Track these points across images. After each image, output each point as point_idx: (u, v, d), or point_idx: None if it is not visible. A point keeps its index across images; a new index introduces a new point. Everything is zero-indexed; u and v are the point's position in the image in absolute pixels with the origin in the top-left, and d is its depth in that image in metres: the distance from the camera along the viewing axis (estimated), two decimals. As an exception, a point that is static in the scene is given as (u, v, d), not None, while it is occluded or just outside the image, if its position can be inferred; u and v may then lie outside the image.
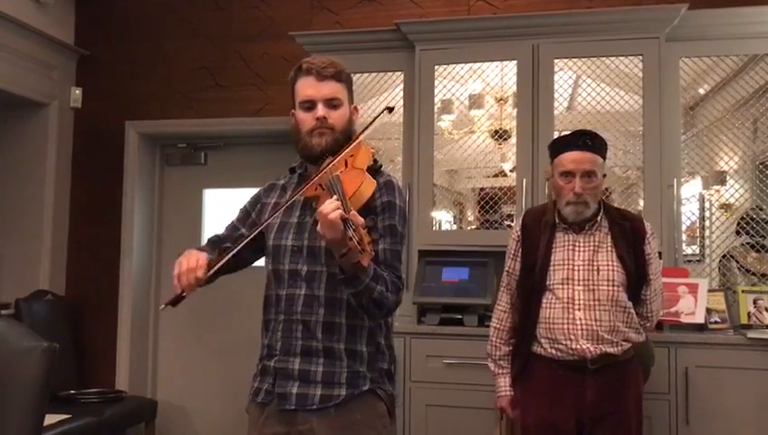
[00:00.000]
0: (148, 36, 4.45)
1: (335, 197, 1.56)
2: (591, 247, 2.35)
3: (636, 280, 2.34)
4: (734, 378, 2.89)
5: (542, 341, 2.34)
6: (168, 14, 4.43)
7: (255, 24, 4.28)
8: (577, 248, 2.35)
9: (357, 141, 1.77)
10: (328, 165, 1.70)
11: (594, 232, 2.37)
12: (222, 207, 4.53)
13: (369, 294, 1.62)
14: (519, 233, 2.48)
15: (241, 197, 4.60)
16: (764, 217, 3.32)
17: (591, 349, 2.26)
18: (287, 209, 1.80)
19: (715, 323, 3.09)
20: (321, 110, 1.77)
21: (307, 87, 1.80)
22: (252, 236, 1.76)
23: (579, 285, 2.31)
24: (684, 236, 3.43)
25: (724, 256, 3.41)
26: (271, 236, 1.83)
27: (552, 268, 2.35)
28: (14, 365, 1.94)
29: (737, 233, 3.37)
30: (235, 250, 1.73)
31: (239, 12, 4.32)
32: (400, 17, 3.74)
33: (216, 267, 1.70)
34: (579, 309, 2.29)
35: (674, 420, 2.91)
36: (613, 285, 2.30)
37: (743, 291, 3.15)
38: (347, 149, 1.74)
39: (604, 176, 2.40)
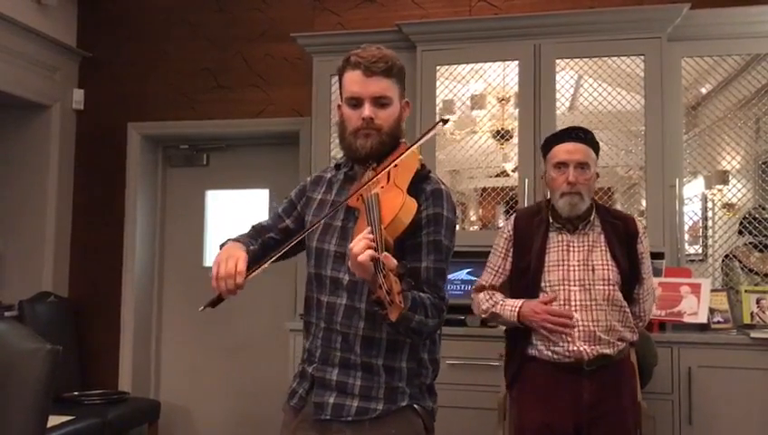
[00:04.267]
0: (151, 38, 4.45)
1: (368, 229, 1.46)
2: (586, 247, 2.34)
3: (629, 279, 2.34)
4: (737, 378, 2.89)
5: (537, 343, 2.32)
6: (170, 15, 4.44)
7: (257, 26, 4.29)
8: (571, 249, 2.35)
9: (401, 145, 1.67)
10: (371, 179, 1.60)
11: (588, 232, 2.37)
12: (224, 209, 4.55)
13: (406, 324, 1.53)
14: (511, 232, 2.47)
15: (243, 198, 4.64)
16: (767, 216, 3.31)
17: (588, 350, 2.26)
18: (331, 211, 1.73)
19: (718, 322, 3.09)
20: (367, 109, 1.65)
21: (354, 83, 1.67)
22: (291, 244, 1.68)
23: (575, 285, 2.30)
24: (686, 236, 3.43)
25: (726, 256, 3.40)
26: (314, 238, 1.74)
27: (546, 269, 2.35)
28: (17, 367, 1.95)
29: (740, 233, 3.36)
30: (274, 258, 1.65)
31: (241, 13, 4.33)
32: (402, 18, 3.74)
33: (253, 274, 1.62)
34: (576, 310, 2.29)
35: (677, 419, 2.91)
36: (609, 284, 2.29)
37: (746, 291, 3.15)
38: (391, 162, 1.62)
39: (597, 176, 2.39)
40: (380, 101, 1.67)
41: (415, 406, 1.69)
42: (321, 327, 1.70)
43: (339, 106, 1.74)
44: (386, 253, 1.40)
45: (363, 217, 1.54)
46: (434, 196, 1.66)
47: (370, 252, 1.40)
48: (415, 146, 1.67)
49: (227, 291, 1.58)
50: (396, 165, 1.62)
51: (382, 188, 1.57)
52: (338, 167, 1.84)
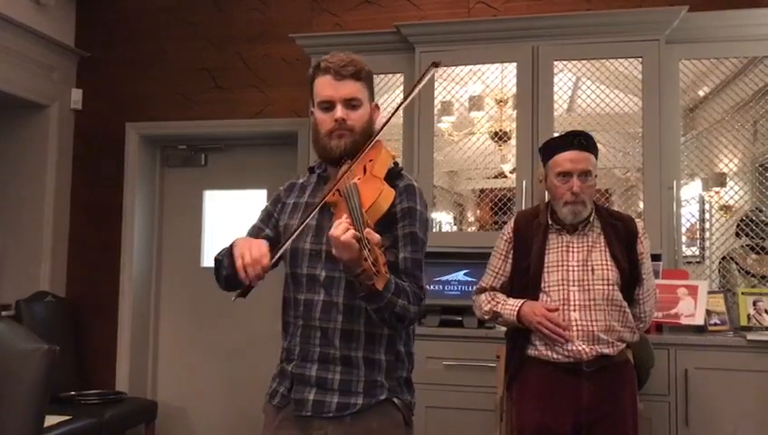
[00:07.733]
0: (149, 38, 4.45)
1: (345, 216, 1.52)
2: (585, 248, 2.35)
3: (629, 280, 2.34)
4: (734, 380, 2.89)
5: (537, 343, 2.34)
6: (169, 15, 4.44)
7: (256, 26, 4.29)
8: (571, 249, 2.36)
9: (375, 143, 1.73)
10: (346, 171, 1.66)
11: (587, 232, 2.38)
12: (222, 209, 4.54)
13: (390, 308, 1.59)
14: (511, 234, 2.48)
15: (241, 198, 4.64)
16: (764, 218, 3.32)
17: (587, 350, 2.27)
18: (305, 211, 1.77)
19: (715, 324, 3.09)
20: (339, 111, 1.72)
21: (325, 87, 1.74)
22: (302, 226, 1.70)
23: (574, 285, 2.32)
24: (684, 238, 3.43)
25: (723, 258, 3.41)
26: (289, 238, 1.77)
27: (546, 270, 2.36)
28: (14, 367, 1.95)
29: (737, 235, 3.37)
30: (294, 235, 1.68)
31: (239, 14, 4.33)
32: (400, 19, 3.74)
33: (279, 253, 1.68)
34: (574, 310, 2.30)
35: (673, 421, 2.91)
36: (608, 284, 2.30)
37: (742, 293, 3.15)
38: (365, 151, 1.70)
39: (595, 176, 2.41)
40: (351, 103, 1.74)
41: (394, 399, 1.73)
42: (300, 325, 1.74)
43: (311, 112, 1.80)
44: (368, 229, 1.47)
45: (341, 208, 1.59)
46: (407, 191, 1.74)
47: (352, 231, 1.47)
48: (410, 97, 1.75)
49: (256, 276, 1.61)
50: (371, 160, 1.68)
51: (359, 179, 1.64)
52: (311, 170, 1.90)
